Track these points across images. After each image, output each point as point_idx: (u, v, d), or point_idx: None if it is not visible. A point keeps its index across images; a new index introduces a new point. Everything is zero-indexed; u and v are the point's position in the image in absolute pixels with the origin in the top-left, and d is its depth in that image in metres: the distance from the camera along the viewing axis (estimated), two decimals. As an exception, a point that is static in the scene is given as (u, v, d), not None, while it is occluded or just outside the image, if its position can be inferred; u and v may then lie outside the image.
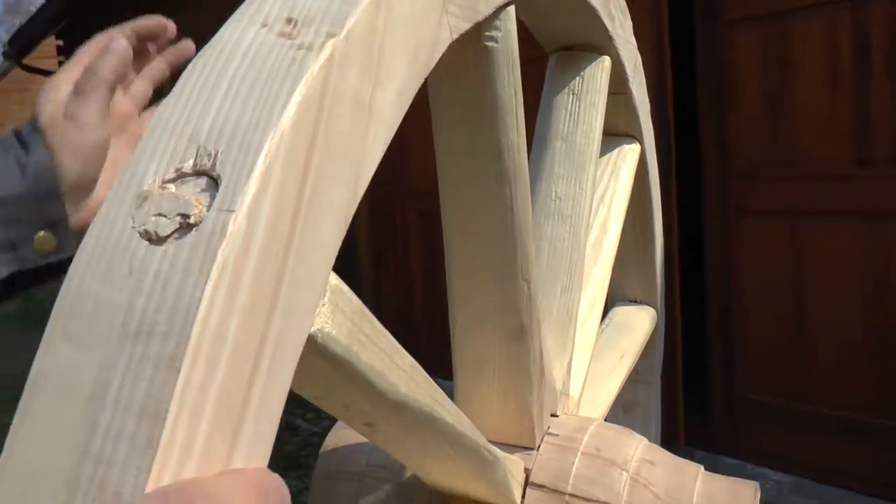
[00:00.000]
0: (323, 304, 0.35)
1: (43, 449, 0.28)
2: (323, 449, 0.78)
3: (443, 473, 0.60)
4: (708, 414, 3.26)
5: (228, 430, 0.29)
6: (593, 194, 0.80)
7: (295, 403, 2.88)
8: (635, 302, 1.12)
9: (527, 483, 0.67)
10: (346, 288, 0.37)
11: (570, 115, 0.80)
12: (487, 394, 0.66)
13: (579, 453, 0.68)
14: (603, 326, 1.06)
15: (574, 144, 0.79)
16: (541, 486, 0.67)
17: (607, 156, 0.94)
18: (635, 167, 0.95)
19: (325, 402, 0.44)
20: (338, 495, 0.75)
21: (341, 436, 0.78)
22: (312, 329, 0.34)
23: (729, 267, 3.17)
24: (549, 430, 0.71)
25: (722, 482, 0.68)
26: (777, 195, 3.01)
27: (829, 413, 2.91)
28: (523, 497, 0.67)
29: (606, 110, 0.85)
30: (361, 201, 0.36)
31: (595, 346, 0.95)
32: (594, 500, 0.65)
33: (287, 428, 3.64)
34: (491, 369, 0.65)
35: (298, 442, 3.45)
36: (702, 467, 0.70)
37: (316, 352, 0.36)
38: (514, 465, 0.65)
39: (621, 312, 1.09)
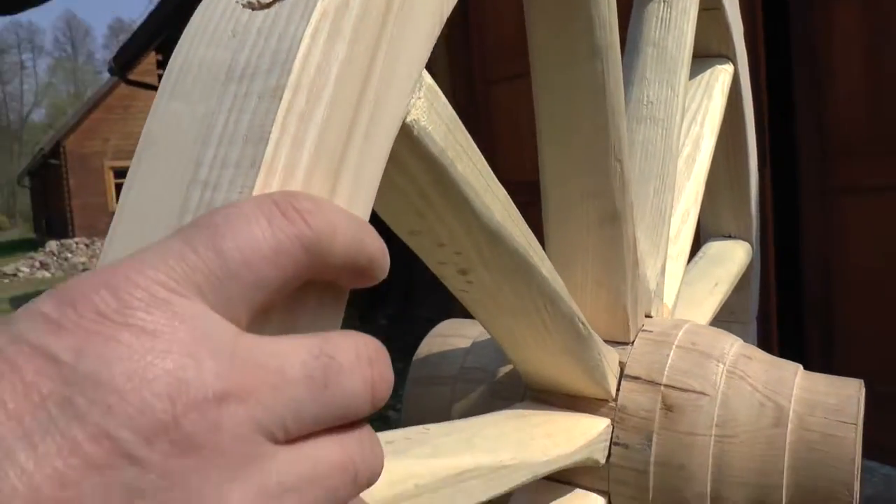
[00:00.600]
0: (419, 97, 0.36)
1: (155, 185, 0.29)
2: (415, 358, 0.79)
3: (537, 352, 0.60)
4: None
5: (330, 168, 0.29)
6: (685, 99, 0.79)
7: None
8: (729, 237, 1.10)
9: (622, 375, 0.67)
10: (441, 93, 0.38)
11: (662, 21, 0.79)
12: (581, 282, 0.66)
13: (674, 347, 0.67)
14: (696, 259, 1.04)
15: (665, 50, 0.78)
16: (636, 378, 0.66)
17: (700, 76, 0.93)
18: (729, 87, 0.93)
19: (422, 239, 0.45)
20: (430, 400, 0.76)
21: (433, 343, 0.79)
22: (408, 118, 0.35)
23: (827, 251, 3.05)
24: (644, 328, 0.70)
25: (823, 378, 0.66)
26: (879, 173, 2.89)
27: (942, 402, 2.77)
28: (618, 389, 0.66)
29: (699, 29, 0.84)
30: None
31: (688, 275, 0.94)
32: (690, 390, 0.64)
33: (379, 419, 3.69)
34: (584, 255, 0.65)
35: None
36: (801, 366, 0.68)
37: (411, 148, 0.37)
38: (609, 355, 0.64)
39: (715, 246, 1.07)
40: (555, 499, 0.66)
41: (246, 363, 0.24)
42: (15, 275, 12.45)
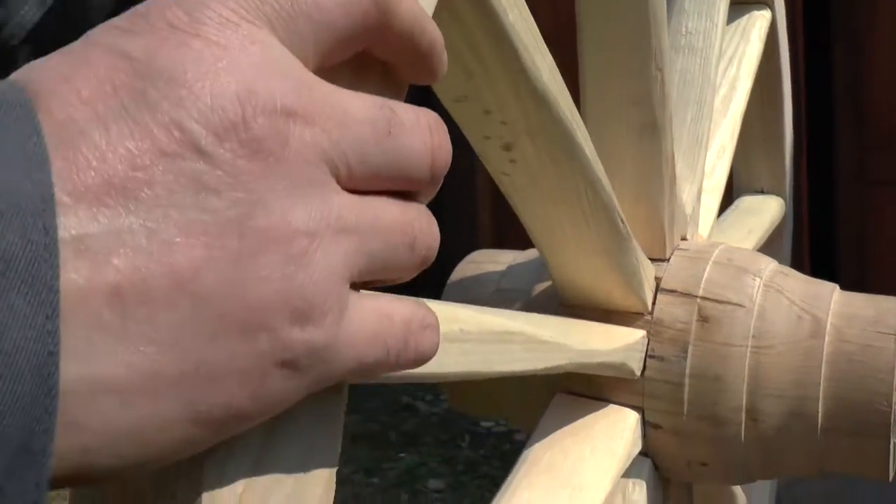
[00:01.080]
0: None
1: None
2: (449, 282, 0.79)
3: (576, 253, 0.60)
4: None
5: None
6: (724, 30, 0.79)
7: (416, 386, 2.92)
8: (762, 192, 1.09)
9: (657, 289, 0.67)
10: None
11: (701, -48, 0.79)
12: (618, 193, 0.66)
13: (711, 262, 0.67)
14: (728, 212, 1.04)
15: (704, -19, 0.78)
16: (672, 291, 0.66)
17: (736, 21, 0.93)
18: (765, 33, 0.93)
19: (467, 107, 0.45)
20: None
21: (466, 269, 0.79)
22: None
23: (863, 242, 3.02)
24: (679, 246, 0.70)
25: (861, 295, 0.66)
26: None
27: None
28: (654, 303, 0.66)
29: (736, -29, 0.84)
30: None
31: (721, 224, 0.94)
32: (726, 302, 0.64)
33: (406, 408, 3.70)
34: (622, 167, 0.65)
35: (417, 422, 3.50)
36: (838, 286, 0.68)
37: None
38: (645, 265, 0.64)
39: (747, 200, 1.07)
40: (588, 414, 0.66)
41: (313, 93, 0.24)
42: None
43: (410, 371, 0.37)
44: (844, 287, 0.67)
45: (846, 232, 3.09)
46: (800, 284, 0.66)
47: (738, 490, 1.00)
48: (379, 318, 0.27)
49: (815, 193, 3.11)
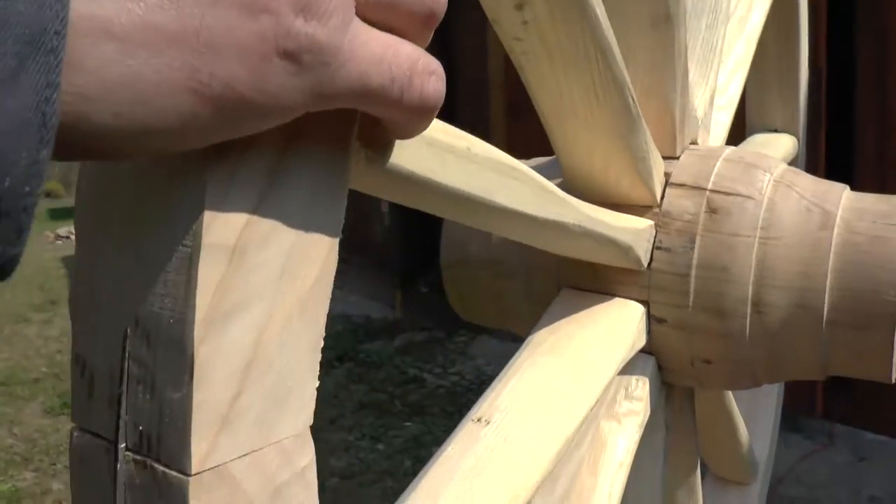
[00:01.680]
0: None
1: None
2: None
3: (585, 135, 0.60)
4: (850, 383, 3.06)
5: None
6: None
7: (425, 358, 2.93)
8: (775, 131, 1.09)
9: (666, 184, 0.67)
10: None
11: None
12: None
13: (721, 159, 0.67)
14: (740, 146, 1.03)
15: None
16: (681, 185, 0.66)
17: (754, -53, 0.92)
18: (783, -40, 0.93)
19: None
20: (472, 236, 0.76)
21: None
22: None
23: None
24: (690, 147, 0.70)
25: (872, 194, 0.66)
26: None
27: None
28: (662, 196, 0.66)
29: None
30: None
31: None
32: (736, 194, 0.64)
33: (414, 380, 3.72)
34: (633, 59, 0.65)
35: (424, 393, 3.52)
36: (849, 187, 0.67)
37: None
38: (654, 155, 0.64)
39: (760, 136, 1.06)
40: (593, 306, 0.66)
41: None
42: (67, 237, 13.26)
43: (415, 172, 0.37)
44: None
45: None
46: (810, 181, 0.66)
47: (739, 420, 1.00)
48: (385, 47, 0.27)
49: (834, 175, 3.07)
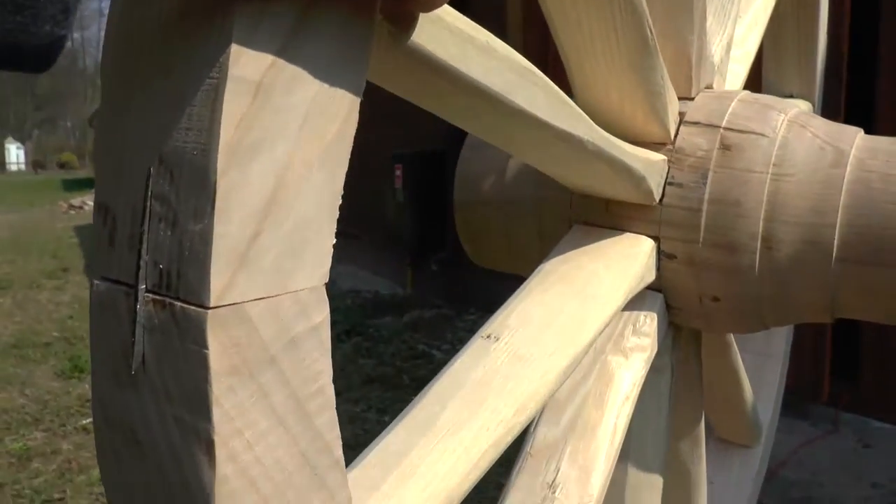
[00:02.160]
0: None
1: None
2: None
3: (603, 68, 0.60)
4: (858, 372, 3.04)
5: None
6: None
7: (434, 334, 2.93)
8: (791, 97, 1.09)
9: (681, 122, 0.67)
10: None
11: None
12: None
13: (736, 100, 0.67)
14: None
15: None
16: (695, 123, 0.66)
17: None
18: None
19: None
20: (486, 160, 0.77)
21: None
22: None
23: None
24: (705, 89, 0.70)
25: (886, 137, 0.66)
26: None
27: None
28: (676, 134, 0.67)
29: None
30: None
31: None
32: (749, 132, 0.65)
33: (422, 356, 3.75)
34: (654, 2, 0.65)
35: (432, 368, 3.55)
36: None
37: None
38: (670, 92, 0.65)
39: (778, 100, 1.06)
40: (604, 240, 0.67)
41: None
42: (81, 207, 13.76)
43: (434, 55, 0.37)
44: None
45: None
46: (824, 123, 0.66)
47: (745, 381, 1.01)
48: None
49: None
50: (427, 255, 4.84)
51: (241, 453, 0.29)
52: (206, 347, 0.28)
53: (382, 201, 4.94)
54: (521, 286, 0.62)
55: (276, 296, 0.30)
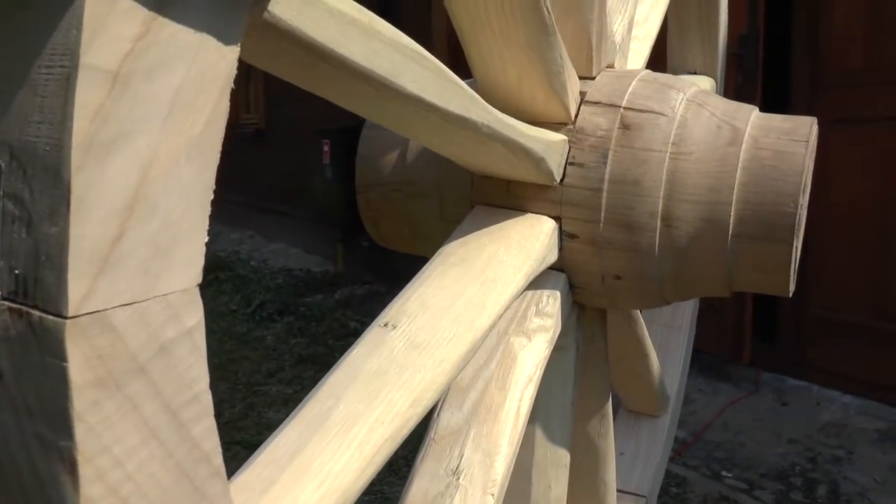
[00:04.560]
0: None
1: None
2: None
3: (500, 45, 0.59)
4: (776, 331, 3.13)
5: None
6: None
7: (366, 311, 2.89)
8: (695, 73, 1.10)
9: (581, 102, 0.67)
10: None
11: None
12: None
13: (636, 79, 0.67)
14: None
15: None
16: (596, 103, 0.66)
17: None
18: None
19: None
20: (387, 139, 0.76)
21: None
22: None
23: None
24: (606, 69, 0.70)
25: (778, 116, 0.67)
26: (872, 103, 2.80)
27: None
28: (577, 114, 0.66)
29: None
30: None
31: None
32: (649, 111, 0.65)
33: (355, 333, 3.71)
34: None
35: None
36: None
37: None
38: (570, 71, 0.64)
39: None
40: (505, 221, 0.66)
41: None
42: None
43: (315, 39, 0.36)
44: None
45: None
46: (722, 101, 0.67)
47: (652, 353, 1.02)
48: None
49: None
50: (357, 232, 4.79)
51: (109, 471, 0.27)
52: (65, 360, 0.26)
53: (311, 178, 4.84)
54: (422, 269, 0.61)
55: (143, 301, 0.28)
